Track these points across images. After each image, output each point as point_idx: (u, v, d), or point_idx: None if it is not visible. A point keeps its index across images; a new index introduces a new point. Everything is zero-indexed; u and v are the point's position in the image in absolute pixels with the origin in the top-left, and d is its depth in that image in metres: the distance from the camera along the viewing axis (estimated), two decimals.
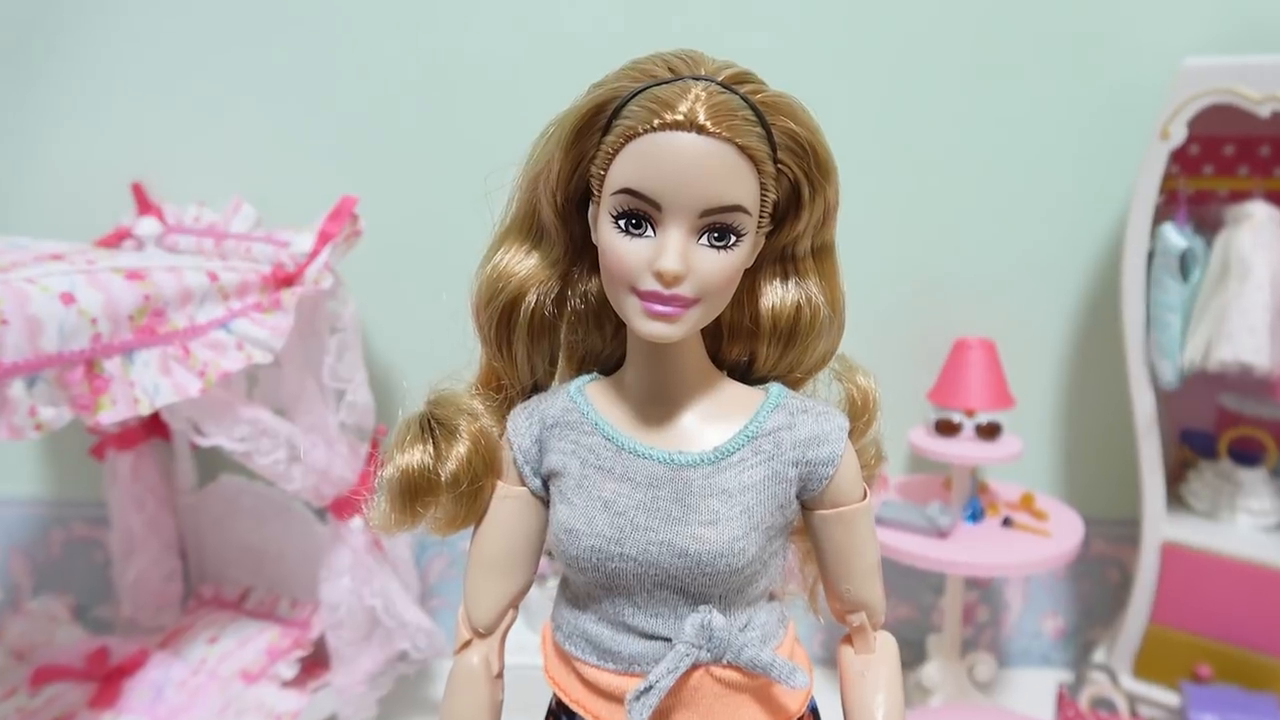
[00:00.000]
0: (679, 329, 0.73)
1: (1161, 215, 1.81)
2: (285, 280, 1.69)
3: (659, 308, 0.71)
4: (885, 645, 0.85)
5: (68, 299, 1.35)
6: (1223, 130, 1.87)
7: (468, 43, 1.99)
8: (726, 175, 0.70)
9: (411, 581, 1.99)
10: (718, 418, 0.80)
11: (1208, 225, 1.86)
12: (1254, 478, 1.92)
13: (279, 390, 1.75)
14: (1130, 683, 1.96)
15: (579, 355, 0.88)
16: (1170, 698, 1.91)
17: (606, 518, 0.77)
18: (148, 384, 1.45)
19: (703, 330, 0.80)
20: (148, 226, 1.99)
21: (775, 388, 0.82)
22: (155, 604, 2.14)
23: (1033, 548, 1.76)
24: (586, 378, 0.86)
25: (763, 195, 0.73)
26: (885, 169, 2.01)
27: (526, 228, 0.82)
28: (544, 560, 0.90)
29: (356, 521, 1.80)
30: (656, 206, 0.70)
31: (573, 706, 0.82)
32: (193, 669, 1.87)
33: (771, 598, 0.84)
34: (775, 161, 0.73)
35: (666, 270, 0.70)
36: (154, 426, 2.08)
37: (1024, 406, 1.97)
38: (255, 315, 1.62)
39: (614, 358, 0.87)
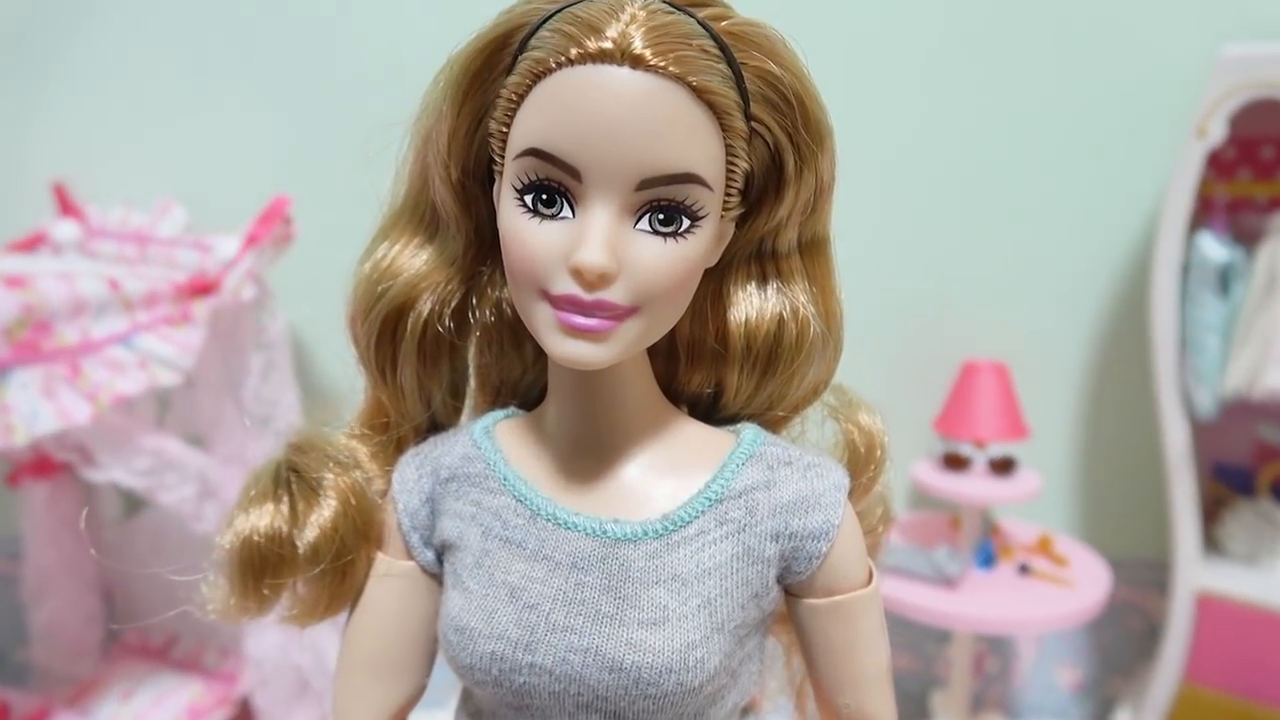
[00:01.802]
0: (607, 350, 0.52)
1: (1193, 224, 1.62)
2: (202, 289, 1.49)
3: (578, 320, 0.51)
4: None
5: None
6: (1262, 129, 1.70)
7: (420, 39, 1.81)
8: (674, 129, 0.49)
9: None
10: (670, 472, 0.59)
11: (1245, 236, 1.69)
12: None
13: (195, 416, 1.54)
14: None
15: (493, 383, 0.67)
16: None
17: (512, 612, 0.56)
18: (25, 409, 1.26)
19: (651, 352, 0.59)
20: (66, 230, 1.83)
21: (749, 431, 0.61)
22: (71, 650, 1.94)
23: (1054, 600, 1.56)
24: (499, 414, 0.65)
25: (730, 163, 0.53)
26: (888, 170, 1.85)
27: (419, 212, 0.62)
28: None
29: None
30: (575, 175, 0.50)
31: None
32: None
33: (744, 713, 0.63)
34: (747, 117, 0.53)
35: (587, 265, 0.49)
36: None
37: (1039, 437, 1.78)
38: (163, 330, 1.42)
39: (537, 386, 0.66)
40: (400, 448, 0.66)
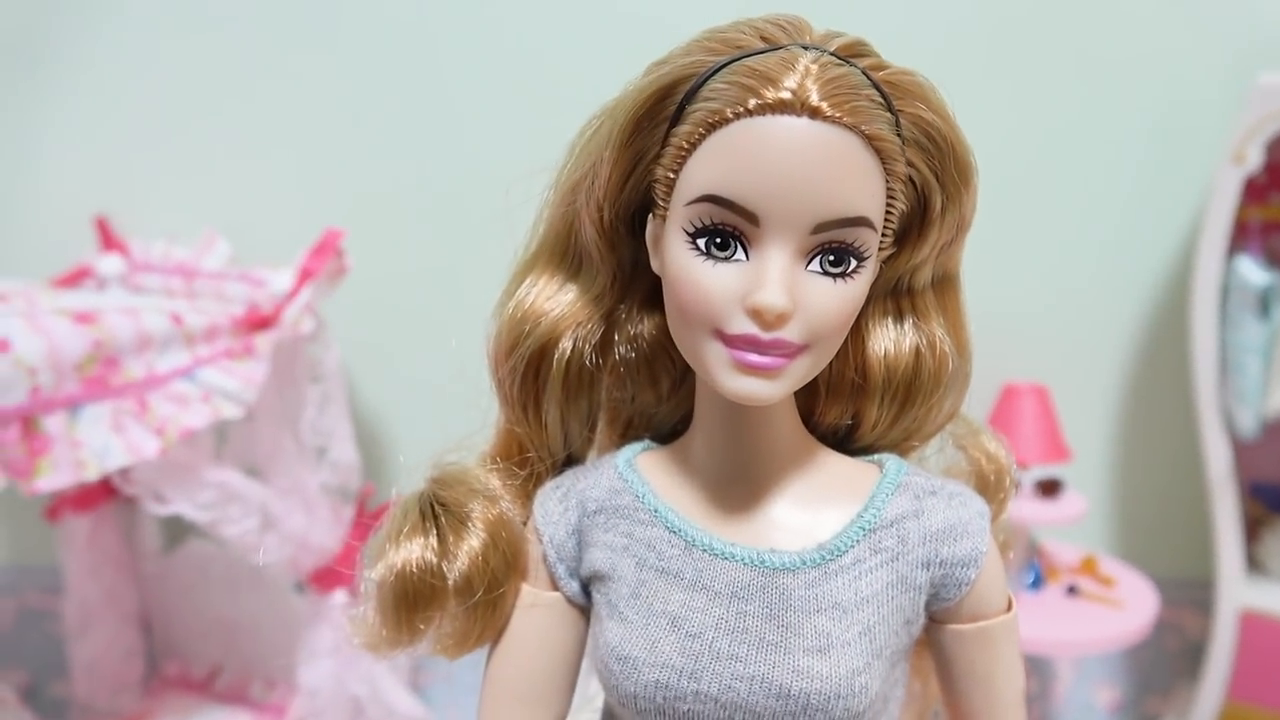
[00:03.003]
0: (778, 387, 0.54)
1: (1230, 248, 1.65)
2: (260, 323, 1.50)
3: (755, 358, 0.52)
4: None
5: (2, 346, 1.19)
6: None
7: (466, 62, 1.83)
8: (849, 176, 0.51)
9: (401, 657, 1.78)
10: (820, 503, 0.60)
11: (1278, 259, 1.70)
12: None
13: (252, 448, 1.56)
14: None
15: (624, 417, 0.69)
16: None
17: (675, 641, 0.57)
18: (96, 444, 1.27)
19: None
20: (110, 264, 1.83)
21: (892, 462, 0.63)
22: (113, 685, 1.93)
23: (1106, 621, 1.57)
24: (638, 446, 0.66)
25: (889, 204, 0.55)
26: None
27: (561, 252, 0.64)
28: None
29: (340, 595, 1.60)
30: (753, 220, 0.52)
31: None
32: None
33: None
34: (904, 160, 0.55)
35: (768, 306, 0.51)
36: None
37: (1079, 459, 1.79)
38: (225, 363, 1.43)
39: (669, 421, 0.68)
40: (537, 481, 0.67)
